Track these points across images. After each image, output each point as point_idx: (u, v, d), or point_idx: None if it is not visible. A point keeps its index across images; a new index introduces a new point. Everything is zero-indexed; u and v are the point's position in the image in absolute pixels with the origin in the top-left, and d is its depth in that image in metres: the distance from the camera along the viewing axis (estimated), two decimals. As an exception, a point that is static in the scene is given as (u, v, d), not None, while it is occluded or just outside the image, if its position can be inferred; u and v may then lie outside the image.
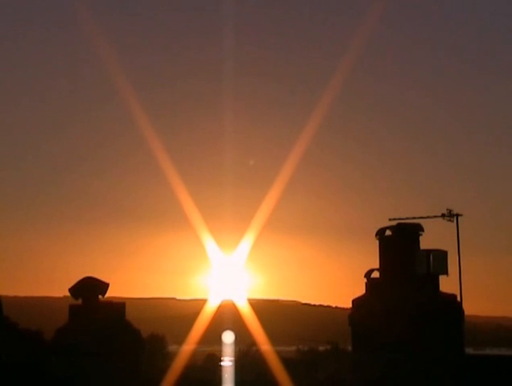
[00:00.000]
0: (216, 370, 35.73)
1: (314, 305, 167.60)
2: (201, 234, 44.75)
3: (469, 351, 28.09)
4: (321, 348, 47.09)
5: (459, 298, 25.93)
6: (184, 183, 56.22)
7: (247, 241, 39.61)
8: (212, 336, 33.47)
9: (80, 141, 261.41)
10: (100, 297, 24.89)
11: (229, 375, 26.43)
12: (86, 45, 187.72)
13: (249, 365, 34.58)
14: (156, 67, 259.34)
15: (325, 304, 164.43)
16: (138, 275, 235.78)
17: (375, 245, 25.29)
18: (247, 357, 38.86)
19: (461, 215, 28.28)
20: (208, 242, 42.63)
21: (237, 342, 33.97)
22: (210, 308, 32.46)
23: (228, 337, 24.66)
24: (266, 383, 26.25)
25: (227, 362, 32.59)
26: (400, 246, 24.78)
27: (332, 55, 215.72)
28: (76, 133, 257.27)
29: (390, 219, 25.97)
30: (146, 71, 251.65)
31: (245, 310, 34.72)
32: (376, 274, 25.25)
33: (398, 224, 25.30)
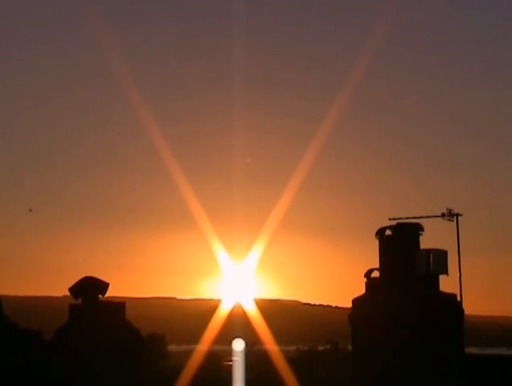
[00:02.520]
0: (221, 369, 35.87)
1: (314, 305, 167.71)
2: (203, 233, 44.76)
3: (470, 350, 28.10)
4: (321, 348, 47.13)
5: (459, 298, 25.98)
6: (189, 182, 56.16)
7: (250, 242, 39.58)
8: (215, 336, 33.47)
9: (81, 140, 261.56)
10: (100, 296, 24.91)
11: (232, 374, 26.45)
12: (95, 51, 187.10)
13: (251, 364, 34.64)
14: (163, 69, 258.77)
15: (325, 304, 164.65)
16: (138, 275, 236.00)
17: (375, 245, 25.31)
18: (249, 356, 38.93)
19: (461, 214, 28.40)
20: (209, 241, 42.64)
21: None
22: (217, 309, 32.48)
23: (238, 345, 24.70)
24: (268, 381, 26.28)
25: (230, 361, 32.61)
26: (400, 246, 24.79)
27: (342, 61, 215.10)
28: (77, 131, 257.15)
29: (390, 219, 26.02)
30: (154, 73, 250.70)
31: (250, 309, 34.70)
32: (376, 274, 25.26)
33: (398, 224, 25.31)
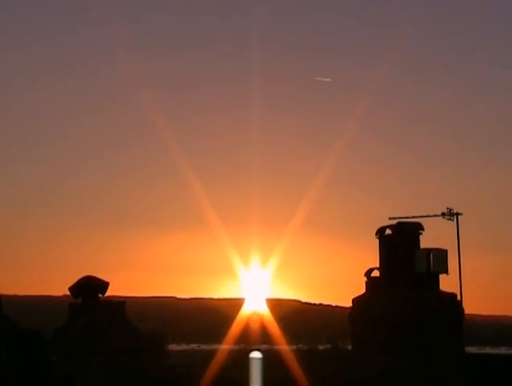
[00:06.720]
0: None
1: (314, 305, 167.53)
2: (205, 231, 44.89)
3: (470, 350, 28.10)
4: (321, 347, 47.04)
5: (459, 297, 25.96)
6: (195, 180, 56.12)
7: (251, 242, 39.70)
8: (215, 335, 33.52)
9: (82, 137, 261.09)
10: (100, 295, 24.91)
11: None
12: (106, 51, 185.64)
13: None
14: (178, 70, 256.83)
15: (325, 303, 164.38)
16: (137, 274, 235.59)
17: (375, 244, 25.32)
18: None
19: (461, 214, 28.24)
20: (210, 240, 42.77)
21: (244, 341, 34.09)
22: (217, 308, 32.61)
23: (255, 354, 24.80)
24: (270, 381, 26.32)
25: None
26: (400, 245, 24.80)
27: (362, 67, 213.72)
28: (78, 128, 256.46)
29: (390, 218, 25.98)
30: (167, 74, 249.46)
31: (259, 309, 34.68)
32: (376, 273, 25.28)
33: (398, 223, 25.31)
